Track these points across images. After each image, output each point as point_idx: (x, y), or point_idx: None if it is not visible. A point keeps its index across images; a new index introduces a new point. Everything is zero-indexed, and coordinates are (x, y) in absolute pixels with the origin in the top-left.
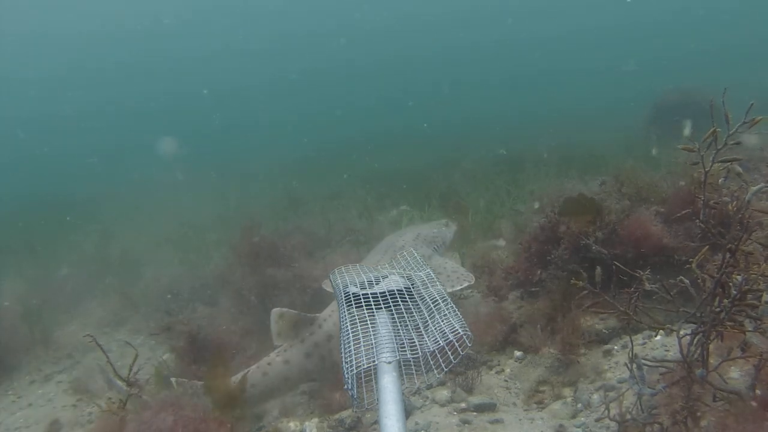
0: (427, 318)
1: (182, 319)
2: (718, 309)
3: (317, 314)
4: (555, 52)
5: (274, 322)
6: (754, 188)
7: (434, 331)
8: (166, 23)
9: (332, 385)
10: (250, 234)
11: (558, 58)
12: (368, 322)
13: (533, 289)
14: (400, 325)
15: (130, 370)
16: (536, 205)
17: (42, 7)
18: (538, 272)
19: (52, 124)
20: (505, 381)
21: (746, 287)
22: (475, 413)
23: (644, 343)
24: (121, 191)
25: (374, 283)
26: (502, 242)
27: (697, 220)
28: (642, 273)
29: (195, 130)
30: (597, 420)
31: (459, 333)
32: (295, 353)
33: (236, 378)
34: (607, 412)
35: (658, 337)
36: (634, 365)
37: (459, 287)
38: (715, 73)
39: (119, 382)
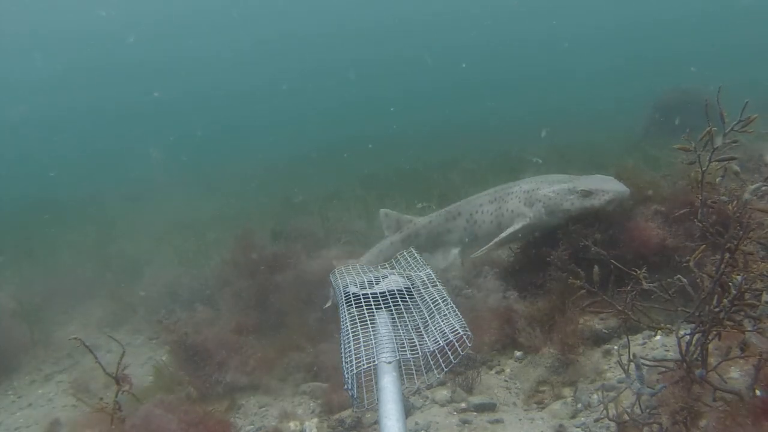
0: (427, 318)
1: (169, 325)
2: (717, 309)
3: (413, 217)
4: (554, 53)
5: (382, 219)
6: (752, 187)
7: (434, 331)
8: (168, 23)
9: (333, 385)
10: (248, 248)
11: (557, 58)
12: (368, 322)
13: (539, 292)
14: (400, 325)
15: (118, 366)
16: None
17: (37, 8)
18: (540, 274)
19: (50, 125)
20: (505, 381)
21: (745, 287)
22: (475, 413)
23: (644, 343)
24: (121, 192)
25: (374, 283)
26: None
27: (696, 220)
28: (639, 271)
29: (194, 131)
30: (596, 420)
31: (459, 333)
32: (396, 238)
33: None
34: (605, 412)
35: (658, 337)
36: (633, 365)
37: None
38: (715, 73)
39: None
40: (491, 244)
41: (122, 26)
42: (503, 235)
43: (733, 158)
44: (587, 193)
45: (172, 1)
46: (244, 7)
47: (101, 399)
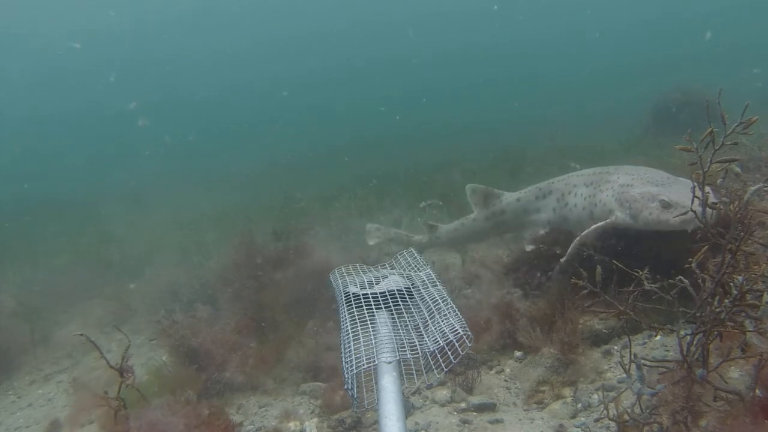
0: (427, 318)
1: (167, 328)
2: (718, 309)
3: (503, 192)
4: (555, 53)
5: (469, 195)
6: (753, 188)
7: (434, 331)
8: (169, 22)
9: (333, 385)
10: (248, 248)
11: (557, 58)
12: (368, 322)
13: (534, 292)
14: (400, 325)
15: (123, 358)
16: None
17: (34, 6)
18: (538, 275)
19: (49, 125)
20: (505, 381)
21: (746, 287)
22: (475, 413)
23: (644, 343)
24: (121, 192)
25: (374, 283)
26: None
27: (696, 220)
28: (641, 272)
29: (193, 132)
30: (596, 420)
31: (459, 333)
32: (480, 215)
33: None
34: (606, 412)
35: (659, 337)
36: (633, 365)
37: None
38: (715, 74)
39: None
40: (573, 246)
41: (123, 26)
42: (585, 233)
43: (734, 159)
44: (667, 205)
45: (173, 2)
46: (244, 6)
47: (105, 392)
